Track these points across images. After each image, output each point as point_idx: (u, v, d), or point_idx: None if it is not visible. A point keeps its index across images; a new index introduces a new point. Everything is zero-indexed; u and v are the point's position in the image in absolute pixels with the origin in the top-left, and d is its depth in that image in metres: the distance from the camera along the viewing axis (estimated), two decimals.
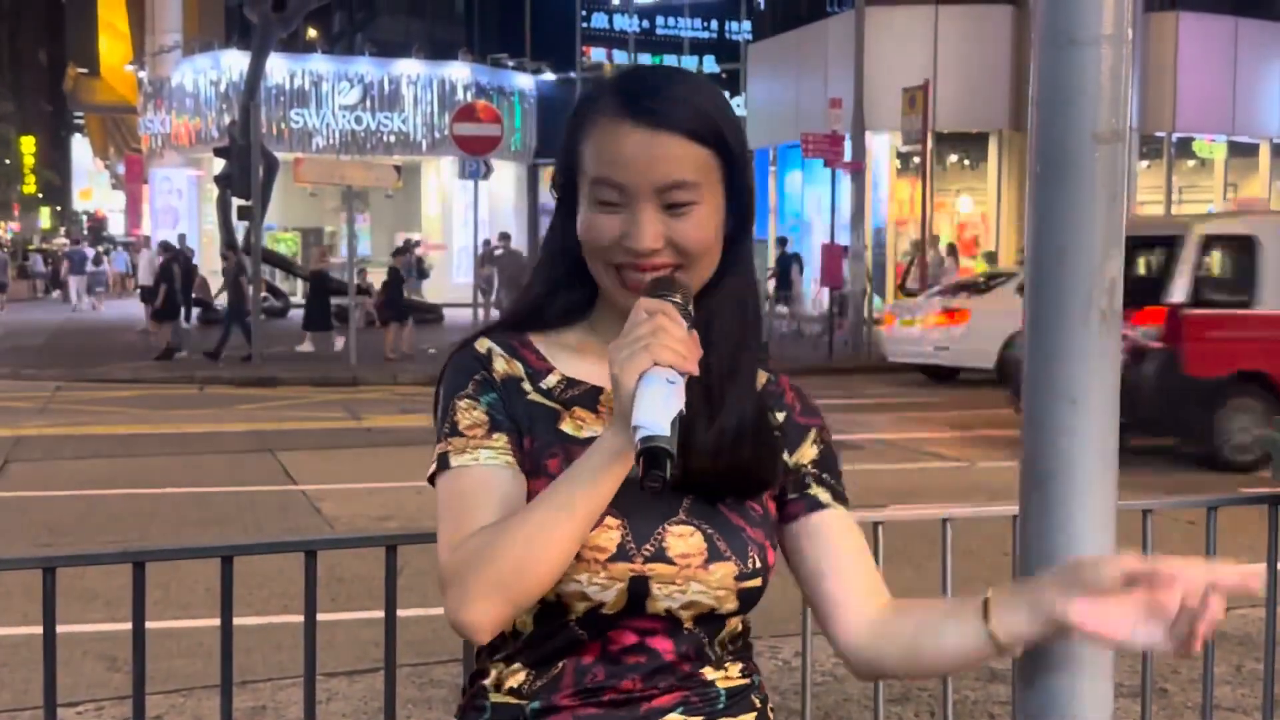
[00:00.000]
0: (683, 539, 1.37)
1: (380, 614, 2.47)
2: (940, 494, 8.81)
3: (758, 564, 1.39)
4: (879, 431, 12.10)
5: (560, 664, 1.38)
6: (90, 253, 39.68)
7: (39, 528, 7.80)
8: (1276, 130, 28.84)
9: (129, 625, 2.29)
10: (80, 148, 72.34)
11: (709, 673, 1.41)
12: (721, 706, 1.41)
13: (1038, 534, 1.34)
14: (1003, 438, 11.44)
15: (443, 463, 1.39)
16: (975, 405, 14.01)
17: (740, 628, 1.45)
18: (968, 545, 6.07)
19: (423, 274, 30.50)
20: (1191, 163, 29.66)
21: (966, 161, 28.86)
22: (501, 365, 1.43)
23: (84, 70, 57.72)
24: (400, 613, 2.47)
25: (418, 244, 31.76)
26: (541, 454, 1.39)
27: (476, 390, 1.41)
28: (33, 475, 9.85)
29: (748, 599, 1.40)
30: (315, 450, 11.14)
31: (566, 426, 1.41)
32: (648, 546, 1.36)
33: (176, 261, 20.70)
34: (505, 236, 25.70)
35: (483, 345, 1.45)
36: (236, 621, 2.39)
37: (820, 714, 4.49)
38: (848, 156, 20.49)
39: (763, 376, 1.49)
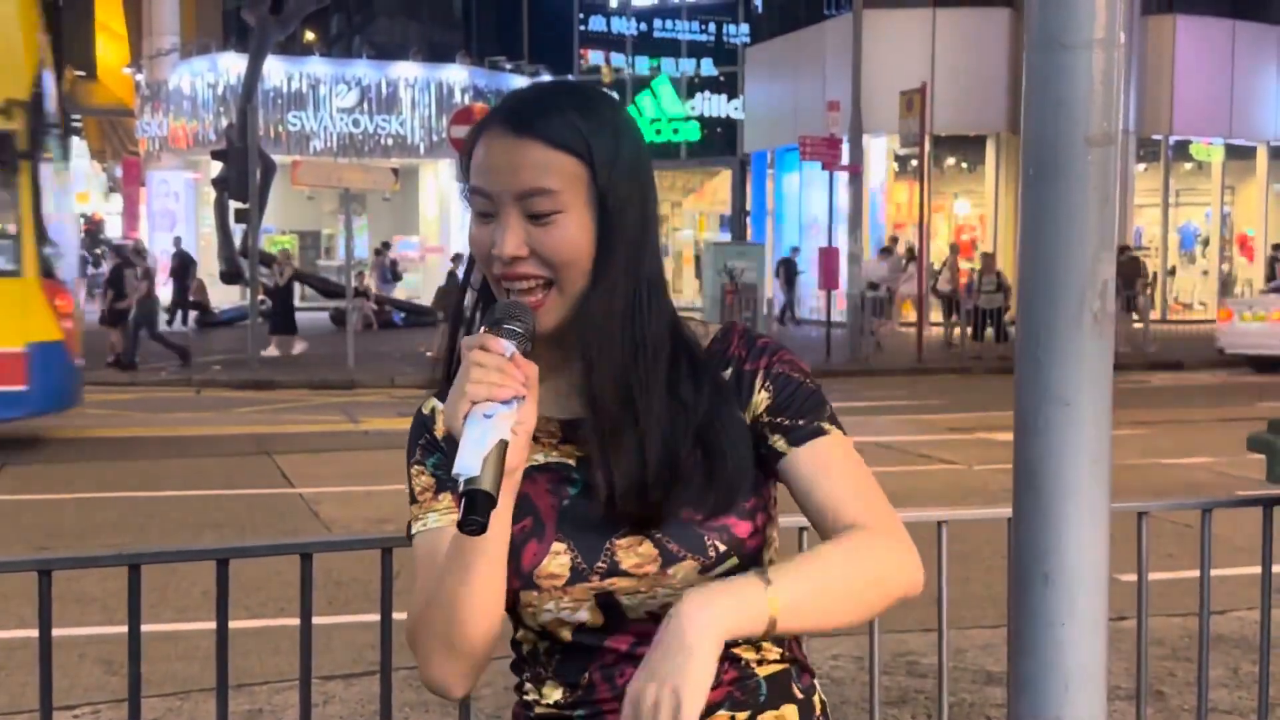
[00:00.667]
0: (632, 550, 1.36)
1: (377, 617, 2.47)
2: (937, 497, 8.81)
3: (721, 549, 1.36)
4: (877, 434, 12.10)
5: (586, 674, 1.40)
6: (89, 256, 39.71)
7: (35, 531, 7.79)
8: (1274, 133, 28.90)
9: (125, 628, 2.29)
10: (78, 151, 72.24)
11: (745, 653, 1.39)
12: (763, 699, 1.40)
13: (1030, 536, 1.34)
14: (1001, 441, 11.44)
15: (408, 532, 1.46)
16: (976, 408, 14.02)
17: None
18: (965, 547, 6.08)
19: (396, 277, 30.54)
20: (1189, 165, 29.71)
21: (964, 164, 28.90)
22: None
23: (81, 73, 57.67)
24: (396, 616, 2.47)
25: (387, 245, 31.79)
26: None
27: (422, 455, 1.46)
28: (29, 478, 9.84)
29: None
30: (312, 453, 11.13)
31: None
32: (600, 564, 1.37)
33: (129, 266, 20.42)
34: None
35: (427, 406, 1.48)
36: (233, 624, 2.39)
37: None
38: (845, 159, 20.50)
39: (708, 335, 1.46)
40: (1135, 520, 2.83)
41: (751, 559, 1.39)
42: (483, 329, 1.32)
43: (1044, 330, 1.31)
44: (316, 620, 2.43)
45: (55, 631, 2.27)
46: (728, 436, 1.39)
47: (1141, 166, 28.31)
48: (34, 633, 2.28)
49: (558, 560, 1.37)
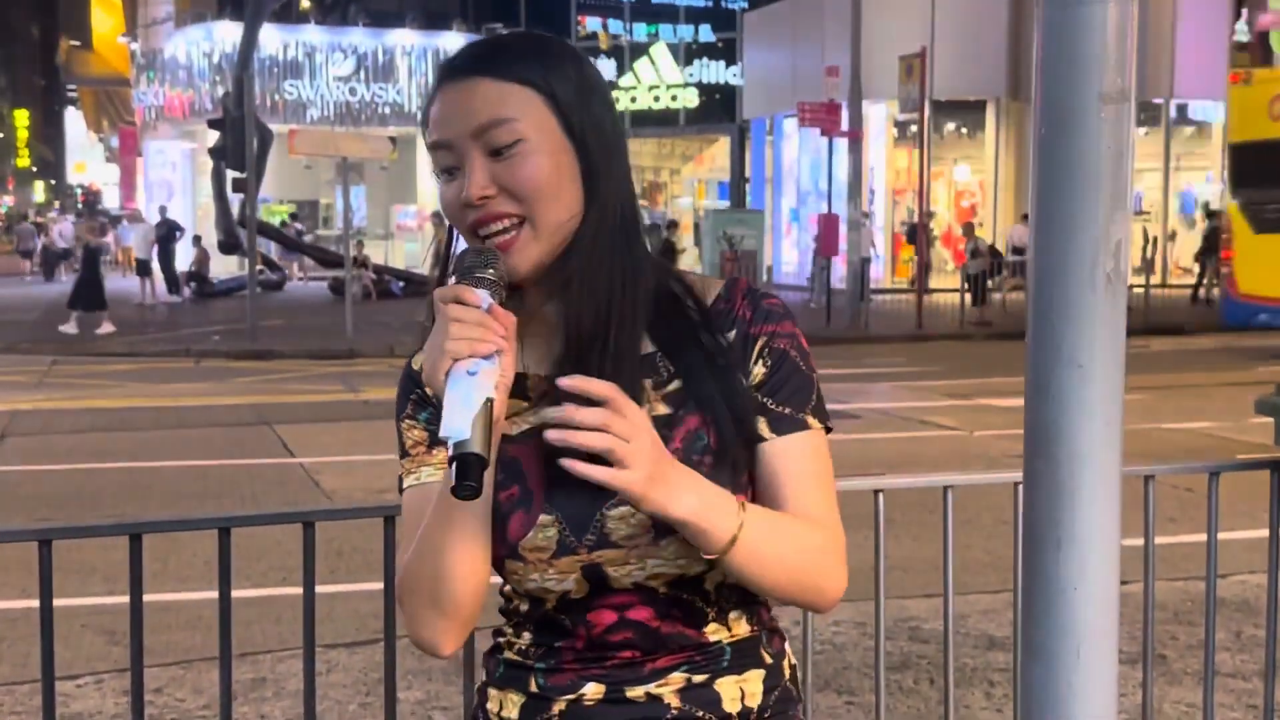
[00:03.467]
0: (624, 521, 1.32)
1: (379, 586, 2.47)
2: (937, 462, 8.82)
3: None
4: (876, 401, 12.11)
5: (559, 644, 1.39)
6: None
7: (36, 501, 7.79)
8: None
9: (127, 598, 2.28)
10: (74, 121, 72.05)
11: (712, 631, 1.38)
12: (726, 664, 1.39)
13: (1042, 500, 1.33)
14: (999, 406, 11.45)
15: (399, 486, 1.43)
16: (975, 373, 14.02)
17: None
18: (966, 513, 6.08)
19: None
20: (1190, 129, 29.59)
21: (964, 130, 28.77)
22: None
23: (76, 43, 57.42)
24: None
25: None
26: None
27: (414, 410, 1.42)
28: (29, 449, 9.84)
29: None
30: (313, 423, 11.13)
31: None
32: (589, 536, 1.33)
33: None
34: None
35: (416, 362, 1.42)
36: (235, 594, 2.38)
37: (820, 682, 4.50)
38: (845, 125, 20.40)
39: (713, 290, 1.41)
40: (1140, 484, 2.82)
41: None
42: (453, 279, 1.28)
43: (1057, 292, 1.29)
44: (319, 589, 2.43)
45: (57, 602, 2.26)
46: (741, 404, 1.36)
47: (1142, 131, 28.18)
48: (35, 603, 2.27)
49: (544, 533, 1.33)
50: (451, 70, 1.35)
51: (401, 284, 27.47)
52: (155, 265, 25.88)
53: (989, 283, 21.53)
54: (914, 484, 2.99)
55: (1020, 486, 2.32)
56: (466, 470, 1.18)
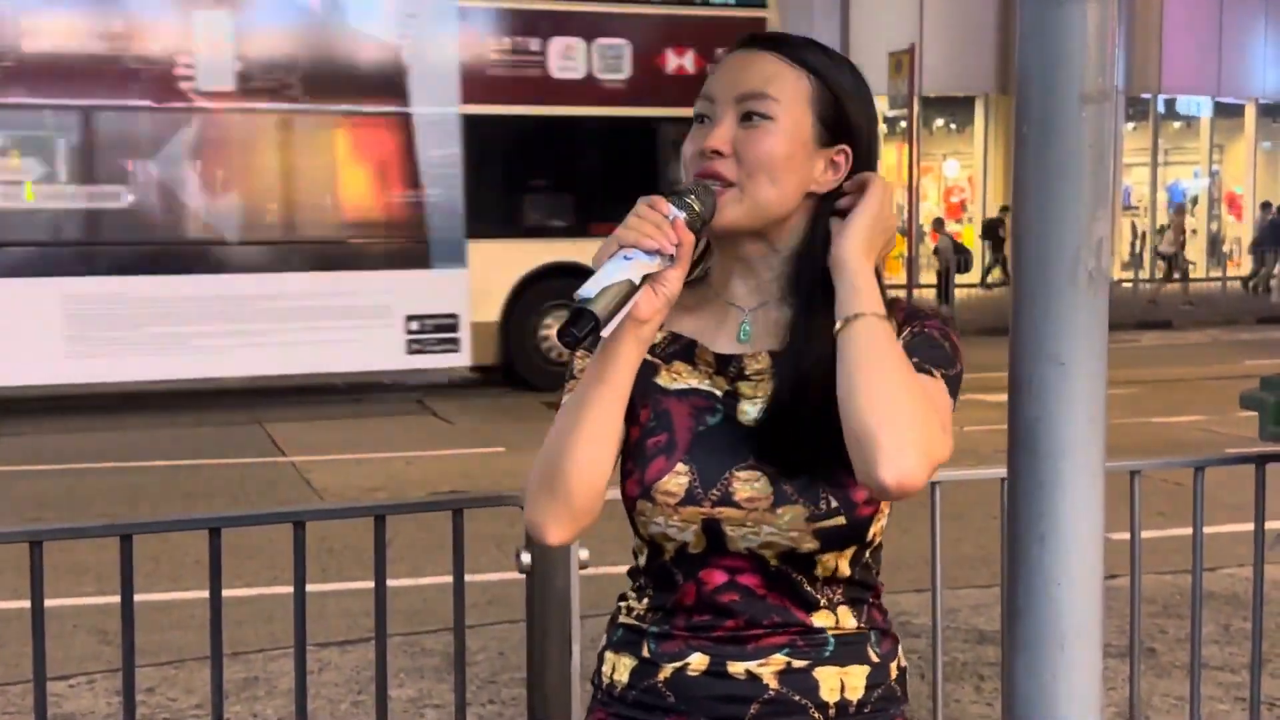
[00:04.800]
0: (748, 484, 1.42)
1: (370, 584, 2.47)
2: None
3: (833, 504, 1.41)
4: None
5: (672, 601, 1.48)
6: None
7: (26, 502, 7.78)
8: (1262, 90, 28.84)
9: (119, 598, 2.28)
10: None
11: (817, 619, 1.44)
12: (828, 654, 1.45)
13: (1026, 496, 1.34)
14: (990, 401, 11.46)
15: (559, 404, 1.51)
16: (966, 369, 14.04)
17: (845, 569, 1.45)
18: (956, 509, 6.09)
19: None
20: (1177, 124, 29.65)
21: (953, 125, 28.80)
22: None
23: None
24: (390, 583, 2.47)
25: None
26: (635, 405, 1.46)
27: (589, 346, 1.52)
28: (18, 449, 9.82)
29: (830, 538, 1.41)
30: (304, 421, 11.12)
31: (661, 379, 1.49)
32: (714, 491, 1.42)
33: None
34: None
35: None
36: (227, 593, 2.39)
37: None
38: None
39: None
40: (1127, 479, 2.84)
41: (859, 523, 1.42)
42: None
43: (1039, 289, 1.31)
44: (310, 588, 2.43)
45: (48, 602, 2.27)
46: None
47: (1130, 125, 28.25)
48: (27, 604, 2.27)
49: (677, 480, 1.43)
50: (748, 40, 1.49)
51: None
52: None
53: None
54: None
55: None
56: (575, 318, 1.27)
